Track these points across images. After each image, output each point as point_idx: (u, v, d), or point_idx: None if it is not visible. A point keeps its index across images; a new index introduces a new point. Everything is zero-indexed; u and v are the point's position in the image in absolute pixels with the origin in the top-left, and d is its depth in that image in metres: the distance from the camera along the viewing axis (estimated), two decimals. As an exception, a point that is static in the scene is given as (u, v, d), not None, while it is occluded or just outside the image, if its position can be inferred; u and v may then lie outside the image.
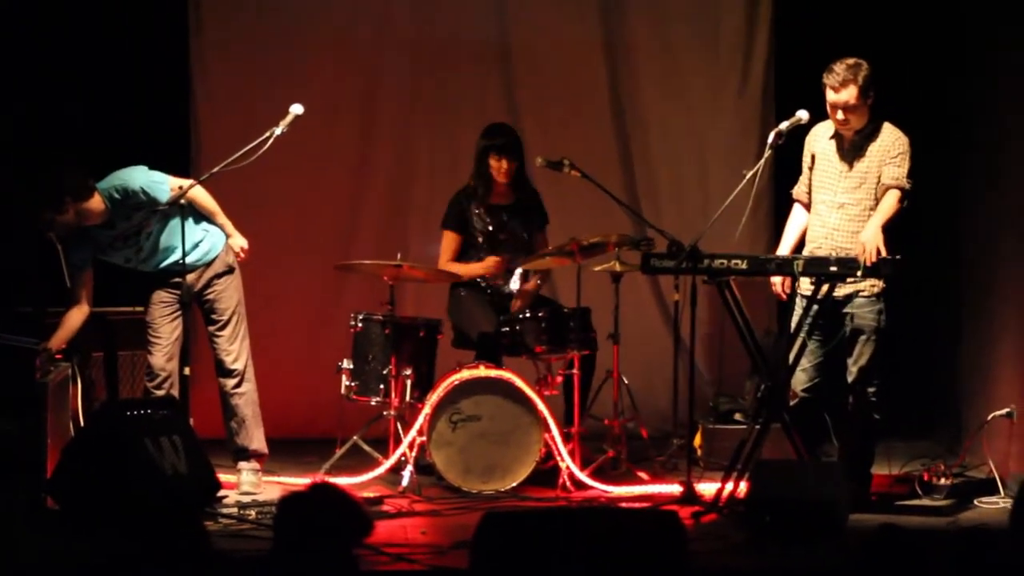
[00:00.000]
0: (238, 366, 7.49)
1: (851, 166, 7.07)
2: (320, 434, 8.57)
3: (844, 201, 7.07)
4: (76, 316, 7.24)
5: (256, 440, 7.54)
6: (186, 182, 7.24)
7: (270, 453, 7.63)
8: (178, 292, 7.31)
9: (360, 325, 7.75)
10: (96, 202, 7.13)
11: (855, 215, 7.04)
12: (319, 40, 9.10)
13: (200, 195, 7.35)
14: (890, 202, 6.97)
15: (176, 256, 7.23)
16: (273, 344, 8.79)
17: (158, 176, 7.25)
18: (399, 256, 7.61)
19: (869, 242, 6.84)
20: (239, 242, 7.50)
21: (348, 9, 9.15)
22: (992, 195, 8.18)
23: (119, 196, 7.16)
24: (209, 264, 7.44)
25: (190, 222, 7.29)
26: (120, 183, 7.17)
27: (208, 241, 7.43)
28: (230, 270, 7.50)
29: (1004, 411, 7.64)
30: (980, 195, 8.37)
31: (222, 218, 7.49)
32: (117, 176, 7.22)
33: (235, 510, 6.85)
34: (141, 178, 7.21)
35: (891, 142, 7.02)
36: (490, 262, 7.93)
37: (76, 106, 8.58)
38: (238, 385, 7.49)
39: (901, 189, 6.97)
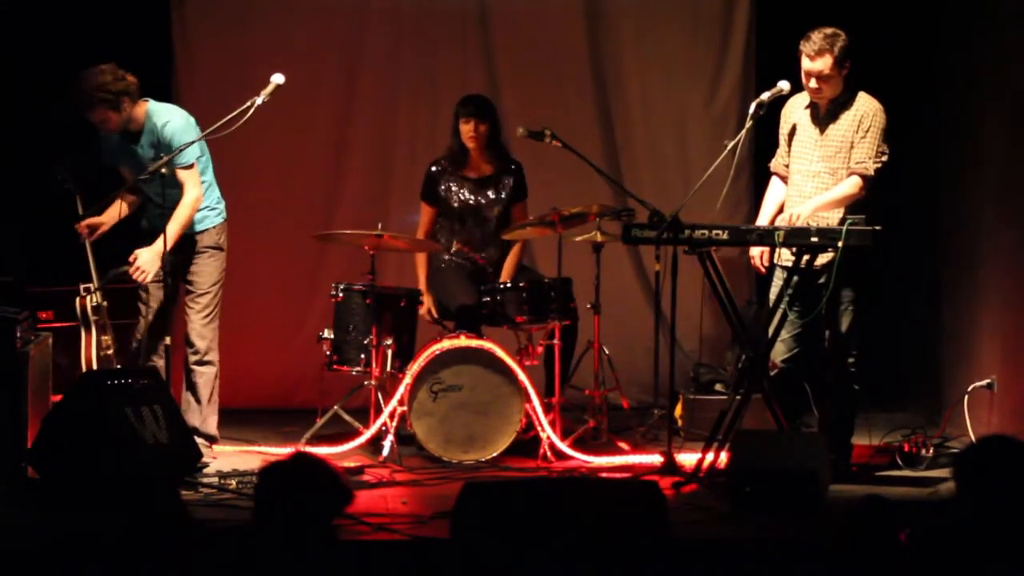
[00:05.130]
0: (201, 345, 7.38)
1: (825, 135, 7.05)
2: (301, 404, 8.59)
3: (819, 170, 7.05)
4: (126, 198, 7.35)
5: (208, 425, 7.43)
6: (200, 191, 7.26)
7: (251, 422, 7.61)
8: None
9: (341, 295, 7.74)
10: (140, 111, 7.24)
11: (830, 184, 7.01)
12: (300, 10, 9.06)
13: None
14: (844, 189, 6.95)
15: (154, 215, 7.23)
16: (254, 314, 8.79)
17: (195, 138, 7.21)
18: (380, 226, 7.59)
19: (798, 215, 6.88)
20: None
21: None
22: (973, 168, 8.17)
23: (154, 120, 7.21)
24: (197, 234, 7.39)
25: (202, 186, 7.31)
26: (165, 114, 7.27)
27: (204, 212, 7.39)
28: (218, 248, 7.44)
29: (984, 382, 7.68)
30: (961, 167, 8.37)
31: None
32: (172, 109, 7.35)
33: (216, 479, 6.84)
34: (179, 127, 7.23)
35: (863, 112, 6.98)
36: (423, 310, 7.95)
37: (56, 74, 8.52)
38: (199, 364, 7.39)
39: (863, 177, 6.96)
